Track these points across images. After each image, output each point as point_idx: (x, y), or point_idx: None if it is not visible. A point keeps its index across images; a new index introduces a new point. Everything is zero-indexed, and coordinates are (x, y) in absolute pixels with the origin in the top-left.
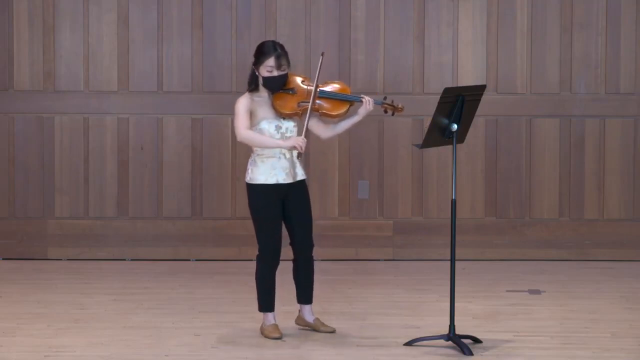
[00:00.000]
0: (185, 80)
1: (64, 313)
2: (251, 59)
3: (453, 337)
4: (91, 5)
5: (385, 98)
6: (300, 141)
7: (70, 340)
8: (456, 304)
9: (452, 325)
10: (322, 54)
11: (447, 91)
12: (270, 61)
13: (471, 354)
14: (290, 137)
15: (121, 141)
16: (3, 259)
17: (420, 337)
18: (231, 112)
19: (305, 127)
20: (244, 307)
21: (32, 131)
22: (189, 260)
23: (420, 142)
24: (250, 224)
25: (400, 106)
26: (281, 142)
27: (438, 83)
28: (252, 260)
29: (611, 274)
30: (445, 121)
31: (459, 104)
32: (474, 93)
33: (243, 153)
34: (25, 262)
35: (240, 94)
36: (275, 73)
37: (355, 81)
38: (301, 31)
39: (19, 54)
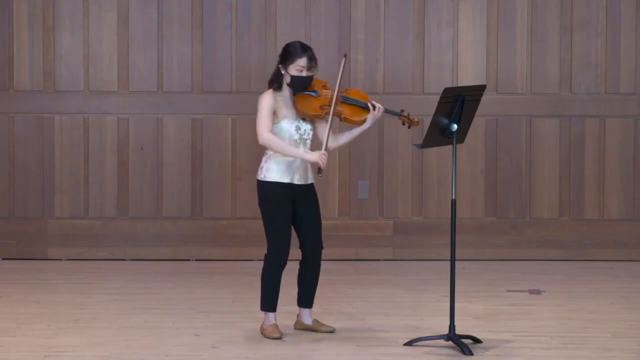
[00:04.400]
0: (185, 80)
1: (64, 313)
2: (254, 59)
3: (453, 337)
4: (91, 5)
5: (402, 111)
6: (324, 156)
7: (70, 340)
8: (456, 304)
9: (452, 325)
10: (345, 56)
11: (447, 91)
12: (303, 61)
13: (471, 354)
14: (307, 139)
15: (121, 141)
16: (3, 259)
17: (420, 337)
18: (231, 112)
19: (325, 141)
20: (244, 307)
21: (32, 131)
22: (189, 260)
23: (420, 142)
24: (250, 223)
25: (416, 120)
26: (304, 154)
27: (438, 83)
28: (252, 260)
29: (611, 274)
30: (445, 121)
31: (459, 104)
32: (474, 93)
33: (243, 153)
34: (25, 262)
35: (240, 93)
36: (305, 73)
37: (355, 81)
38: (301, 31)
39: (19, 54)
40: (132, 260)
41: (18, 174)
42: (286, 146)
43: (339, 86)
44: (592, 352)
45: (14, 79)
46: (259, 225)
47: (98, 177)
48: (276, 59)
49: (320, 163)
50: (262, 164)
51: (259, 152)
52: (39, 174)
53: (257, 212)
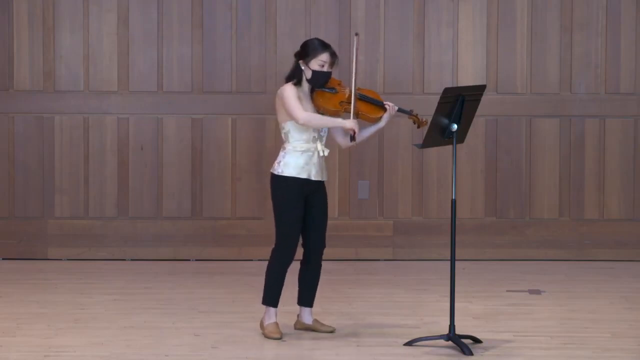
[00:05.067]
0: (185, 80)
1: (64, 313)
2: (254, 59)
3: (453, 337)
4: (91, 5)
5: (411, 111)
6: (357, 126)
7: (70, 340)
8: (456, 304)
9: (452, 325)
10: (357, 35)
11: (447, 91)
12: (325, 56)
13: (471, 354)
14: (324, 136)
15: (121, 141)
16: (3, 259)
17: (420, 337)
18: (231, 112)
19: (352, 110)
20: (244, 307)
21: (32, 131)
22: (189, 260)
23: (420, 142)
24: (250, 223)
25: (424, 120)
26: (343, 122)
27: (438, 83)
28: (252, 260)
29: (611, 274)
30: (445, 121)
31: (459, 104)
32: (474, 93)
33: (243, 153)
34: (25, 262)
35: (240, 93)
36: (326, 68)
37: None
38: (301, 31)
39: (19, 54)
40: (132, 260)
41: (18, 174)
42: (325, 118)
43: (356, 68)
44: (592, 352)
45: (14, 79)
46: (259, 225)
47: (98, 177)
48: (292, 57)
49: (356, 129)
50: (280, 158)
51: (259, 152)
52: (39, 174)
53: (257, 212)
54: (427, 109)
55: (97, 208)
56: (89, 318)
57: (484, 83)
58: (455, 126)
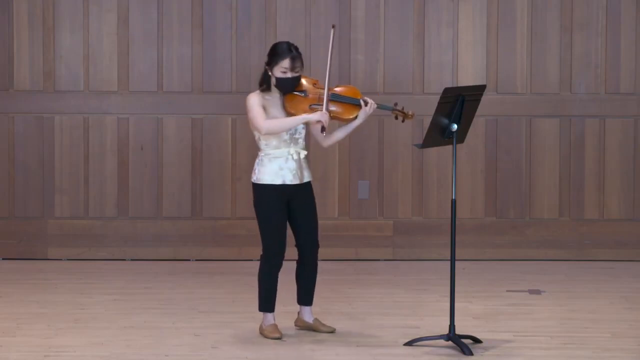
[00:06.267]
0: (185, 80)
1: (64, 313)
2: (254, 59)
3: (453, 337)
4: (91, 5)
5: (395, 104)
6: (324, 115)
7: (70, 340)
8: (456, 304)
9: (452, 325)
10: (333, 27)
11: (447, 91)
12: (286, 62)
13: (471, 354)
14: (299, 138)
15: (121, 141)
16: (3, 259)
17: (420, 337)
18: (231, 112)
19: (325, 101)
20: (244, 307)
21: (32, 131)
22: (189, 260)
23: (420, 142)
24: (250, 223)
25: (410, 113)
26: (306, 116)
27: (438, 83)
28: (252, 260)
29: (611, 274)
30: (445, 121)
31: (459, 104)
32: (474, 93)
33: (243, 153)
34: (25, 262)
35: (240, 93)
36: (289, 74)
37: (355, 81)
38: (301, 31)
39: (19, 54)
40: (132, 260)
41: (18, 174)
42: (286, 120)
43: (330, 66)
44: (592, 352)
45: (14, 79)
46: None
47: (98, 177)
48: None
49: (323, 120)
50: (255, 166)
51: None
52: (39, 174)
53: None
54: (427, 109)
55: (97, 208)
56: (89, 318)
57: (484, 83)
58: (455, 126)
